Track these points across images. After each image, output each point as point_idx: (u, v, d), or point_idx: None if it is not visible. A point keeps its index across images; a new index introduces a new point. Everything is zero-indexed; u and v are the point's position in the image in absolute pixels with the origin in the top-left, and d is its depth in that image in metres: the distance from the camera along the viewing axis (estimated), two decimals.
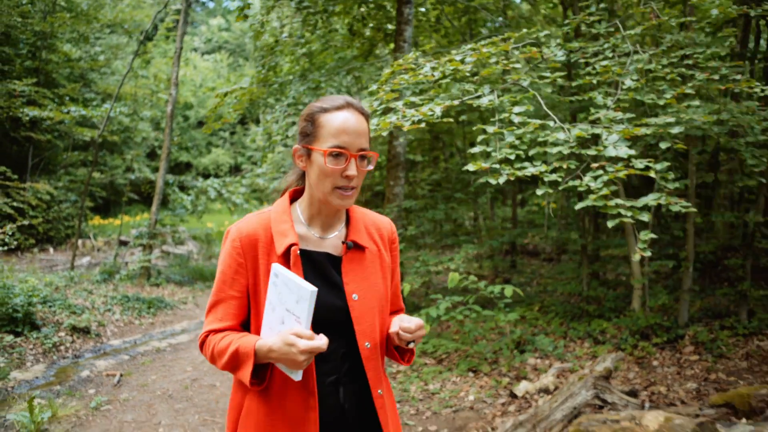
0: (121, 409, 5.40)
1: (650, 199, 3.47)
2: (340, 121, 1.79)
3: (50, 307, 7.98)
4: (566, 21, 5.00)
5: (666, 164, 3.55)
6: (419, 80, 4.38)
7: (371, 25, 8.94)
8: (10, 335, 6.73)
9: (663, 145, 3.73)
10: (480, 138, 4.08)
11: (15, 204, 12.30)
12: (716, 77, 4.15)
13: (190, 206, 14.82)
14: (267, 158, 11.39)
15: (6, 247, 7.44)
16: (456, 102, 4.12)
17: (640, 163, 3.54)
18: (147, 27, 12.94)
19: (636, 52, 4.55)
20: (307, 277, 1.81)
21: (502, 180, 3.71)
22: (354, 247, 1.93)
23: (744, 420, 4.12)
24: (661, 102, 4.03)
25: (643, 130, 3.69)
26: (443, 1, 8.69)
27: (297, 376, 1.69)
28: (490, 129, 3.93)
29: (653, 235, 3.39)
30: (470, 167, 3.85)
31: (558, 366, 5.72)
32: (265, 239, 1.86)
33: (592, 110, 4.14)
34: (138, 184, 19.39)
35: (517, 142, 3.86)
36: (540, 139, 3.92)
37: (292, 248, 1.82)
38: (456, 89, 4.33)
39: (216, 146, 30.88)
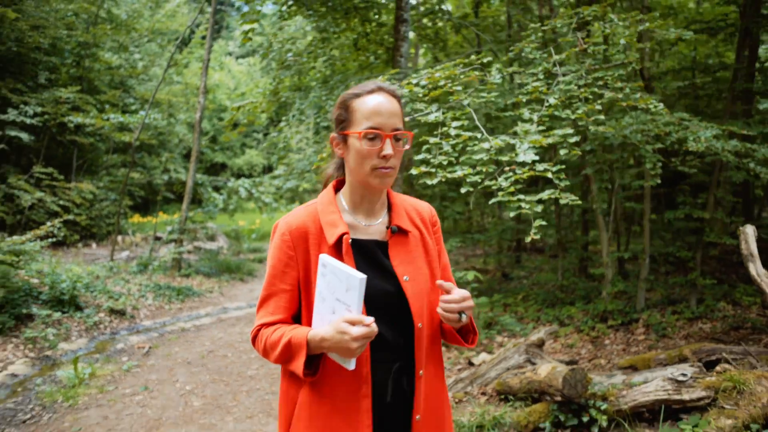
0: (147, 371, 6.67)
1: (545, 195, 4.53)
2: (373, 103, 1.88)
3: (92, 292, 9.34)
4: (511, 48, 6.05)
5: (560, 167, 4.61)
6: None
7: (377, 39, 10.09)
8: (58, 313, 8.07)
9: (562, 152, 4.78)
10: (424, 147, 5.19)
11: (61, 202, 13.86)
12: (620, 95, 5.17)
13: (222, 204, 16.19)
14: (283, 161, 12.64)
15: (54, 239, 8.79)
16: (407, 118, 5.23)
17: (540, 167, 4.61)
18: (178, 38, 14.30)
19: (565, 74, 5.59)
20: (358, 265, 1.89)
21: (435, 181, 4.82)
22: (399, 232, 2.00)
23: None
24: (573, 117, 5.08)
25: (548, 140, 4.75)
26: (439, 19, 9.78)
27: (350, 365, 1.73)
28: (432, 140, 5.04)
29: (544, 223, 4.46)
30: (413, 171, 4.98)
31: (516, 341, 6.77)
32: (314, 231, 1.93)
33: (519, 123, 5.20)
34: (173, 183, 20.95)
35: (450, 150, 4.96)
36: (468, 148, 5.02)
37: (344, 237, 1.90)
38: (409, 108, 5.44)
39: (250, 147, 32.46)
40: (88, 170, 18.99)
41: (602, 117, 5.14)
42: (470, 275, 6.64)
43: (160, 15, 19.68)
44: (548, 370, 4.50)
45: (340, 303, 1.72)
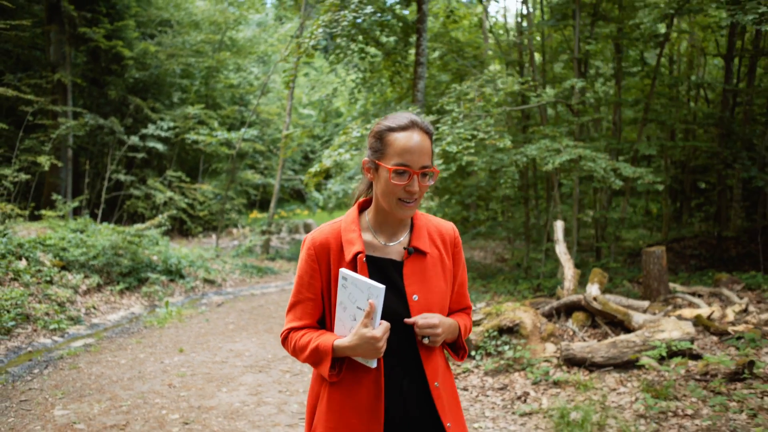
0: (213, 314, 10.71)
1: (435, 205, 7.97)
2: (405, 140, 2.12)
3: (193, 267, 13.66)
4: (438, 103, 9.35)
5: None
6: (345, 141, 9.13)
7: (408, 76, 13.66)
8: (165, 277, 12.38)
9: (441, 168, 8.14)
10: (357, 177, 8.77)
11: (187, 200, 18.54)
12: (486, 136, 8.44)
13: (322, 203, 20.32)
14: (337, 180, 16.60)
15: (163, 228, 13.12)
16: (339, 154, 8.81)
17: None
18: (271, 66, 18.55)
19: (461, 121, 8.92)
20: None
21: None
22: (416, 253, 2.27)
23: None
24: (455, 151, 8.42)
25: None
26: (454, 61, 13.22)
27: (373, 364, 2.11)
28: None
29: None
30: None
31: None
32: (336, 247, 2.24)
33: None
34: (288, 184, 25.48)
35: None
36: None
37: (358, 256, 2.19)
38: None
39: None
40: (213, 173, 23.90)
41: (473, 150, 8.43)
42: None
43: (273, 39, 24.21)
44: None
45: (361, 311, 2.06)
